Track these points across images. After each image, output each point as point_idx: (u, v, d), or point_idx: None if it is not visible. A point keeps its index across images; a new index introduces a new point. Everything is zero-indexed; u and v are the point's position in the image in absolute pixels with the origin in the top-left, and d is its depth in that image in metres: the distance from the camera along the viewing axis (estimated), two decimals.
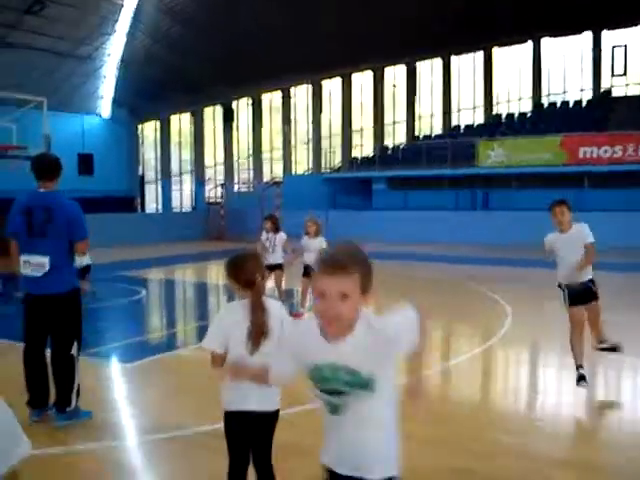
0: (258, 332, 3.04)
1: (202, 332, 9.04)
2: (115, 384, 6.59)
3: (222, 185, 29.93)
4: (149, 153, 33.84)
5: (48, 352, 5.23)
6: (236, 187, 32.01)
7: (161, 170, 33.10)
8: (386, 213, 23.81)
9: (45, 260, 4.93)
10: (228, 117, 31.75)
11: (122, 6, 23.37)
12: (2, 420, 1.81)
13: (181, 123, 33.61)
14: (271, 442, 3.13)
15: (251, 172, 32.30)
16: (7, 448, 1.78)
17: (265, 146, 32.38)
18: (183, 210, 31.83)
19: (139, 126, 32.60)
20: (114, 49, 25.86)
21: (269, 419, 3.08)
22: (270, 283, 9.62)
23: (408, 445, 2.22)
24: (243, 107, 32.49)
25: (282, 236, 9.64)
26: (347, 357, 1.98)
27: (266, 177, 31.19)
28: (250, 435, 3.08)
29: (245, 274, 3.12)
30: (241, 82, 28.21)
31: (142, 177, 33.00)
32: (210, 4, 23.41)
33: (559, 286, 5.79)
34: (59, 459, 4.43)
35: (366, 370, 1.97)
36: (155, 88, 28.28)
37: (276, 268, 9.56)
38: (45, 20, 21.84)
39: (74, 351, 5.17)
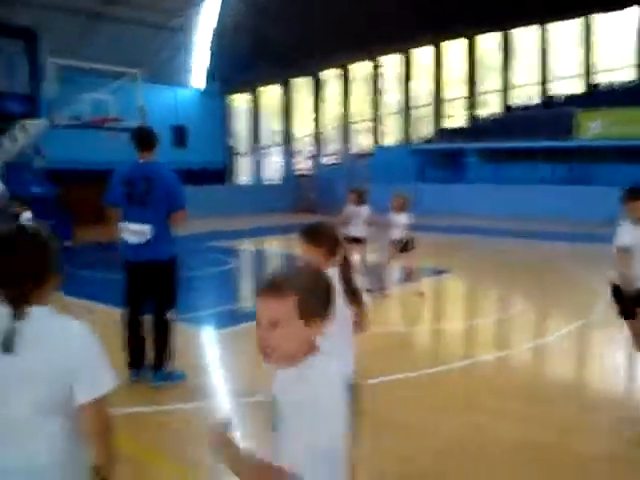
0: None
1: None
2: (208, 349, 6.74)
3: (311, 157, 29.98)
4: (240, 125, 34.27)
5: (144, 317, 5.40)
6: (325, 159, 32.00)
7: (252, 142, 33.49)
8: (478, 186, 23.15)
9: (146, 228, 5.11)
10: (317, 88, 31.68)
11: None
12: (88, 351, 1.85)
13: (271, 94, 33.80)
14: None
15: (340, 144, 32.16)
16: (93, 378, 1.82)
17: (354, 117, 32.13)
18: (273, 182, 32.13)
19: (230, 98, 33.01)
20: (206, 20, 26.17)
21: None
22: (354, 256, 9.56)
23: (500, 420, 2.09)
24: (332, 78, 32.30)
25: (366, 209, 9.51)
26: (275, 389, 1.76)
27: (355, 149, 31.01)
28: None
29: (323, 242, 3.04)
30: (330, 52, 27.97)
31: (233, 149, 33.51)
32: None
33: (615, 289, 4.81)
34: (153, 417, 4.57)
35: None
36: (246, 59, 28.48)
37: (359, 242, 9.47)
38: None
39: (170, 316, 5.31)
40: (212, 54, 28.23)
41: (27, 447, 1.77)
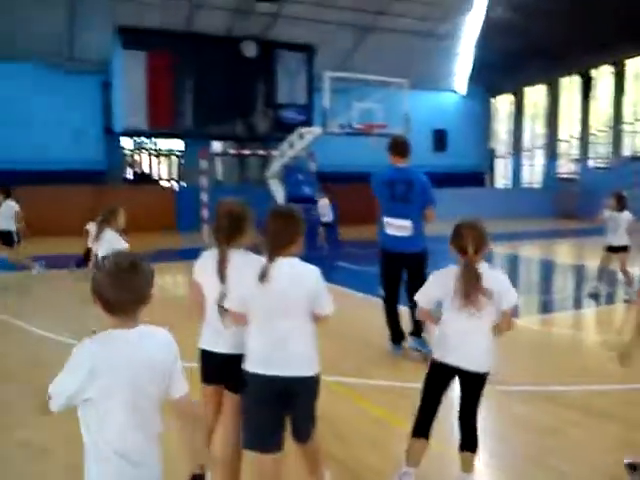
0: (462, 297, 3.31)
1: (544, 305, 9.10)
2: None
3: (576, 160, 28.53)
4: (501, 127, 33.80)
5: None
6: (591, 162, 30.17)
7: (512, 144, 32.85)
8: None
9: (408, 223, 6.01)
10: (586, 87, 29.95)
11: None
12: (319, 283, 3.12)
13: (535, 95, 32.77)
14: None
15: (609, 146, 30.05)
16: (323, 300, 3.15)
17: (628, 118, 29.76)
18: (533, 186, 31.19)
19: (492, 100, 32.74)
20: (471, 25, 26.38)
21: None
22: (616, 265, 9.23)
23: None
24: (603, 75, 30.27)
25: (627, 215, 9.08)
26: None
27: (627, 151, 28.74)
28: None
29: (458, 240, 3.36)
30: (602, 47, 26.31)
31: (493, 152, 33.19)
32: None
33: None
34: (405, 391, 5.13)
35: None
36: (511, 60, 28.05)
37: (619, 250, 9.09)
38: (408, 3, 23.33)
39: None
40: (476, 58, 28.32)
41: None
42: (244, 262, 3.19)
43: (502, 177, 33.47)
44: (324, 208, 15.94)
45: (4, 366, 6.10)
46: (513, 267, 13.97)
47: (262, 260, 3.08)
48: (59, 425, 3.69)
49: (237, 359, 3.14)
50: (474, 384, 3.39)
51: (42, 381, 2.37)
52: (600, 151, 30.42)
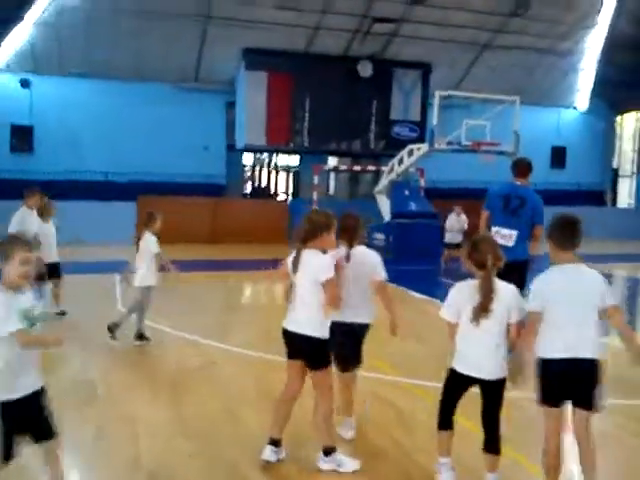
0: (478, 310, 3.54)
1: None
2: None
3: None
4: (627, 145, 32.36)
5: None
6: None
7: (638, 163, 31.36)
8: None
9: (514, 233, 6.62)
10: None
11: None
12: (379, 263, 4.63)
13: None
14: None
15: None
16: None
17: None
18: None
19: (618, 117, 31.47)
20: (594, 42, 25.64)
21: None
22: None
23: None
24: None
25: None
26: None
27: None
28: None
29: (477, 254, 3.54)
30: None
31: (615, 170, 31.84)
32: None
33: None
34: None
35: None
36: (637, 77, 26.98)
37: None
38: (528, 21, 23.10)
39: None
40: (599, 74, 27.45)
41: None
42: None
43: (627, 197, 32.01)
44: (453, 226, 15.19)
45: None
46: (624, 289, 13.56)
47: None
48: None
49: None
50: (490, 391, 3.69)
51: None
52: None
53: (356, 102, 22.97)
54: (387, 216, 17.98)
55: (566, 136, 28.45)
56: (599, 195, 29.51)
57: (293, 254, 4.04)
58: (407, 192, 18.57)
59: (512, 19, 23.06)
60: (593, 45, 25.87)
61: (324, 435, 4.06)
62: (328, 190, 27.10)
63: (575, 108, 29.08)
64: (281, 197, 27.14)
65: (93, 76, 21.63)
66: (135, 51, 21.26)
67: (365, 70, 23.11)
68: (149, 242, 7.25)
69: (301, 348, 4.02)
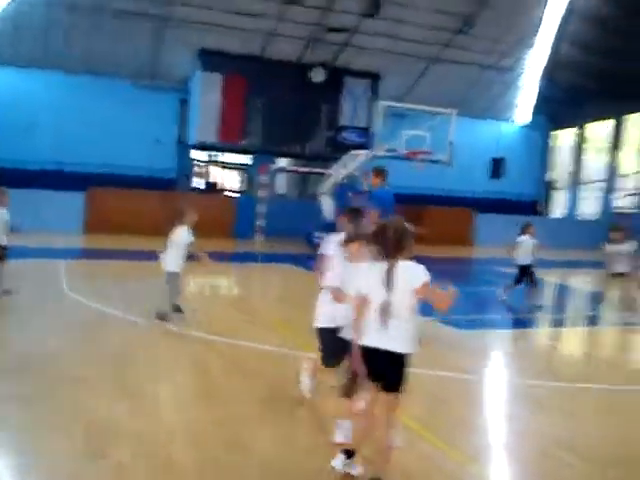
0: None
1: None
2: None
3: (633, 195, 28.71)
4: (562, 159, 34.16)
5: None
6: None
7: (572, 177, 33.17)
8: None
9: None
10: None
11: (542, 20, 24.59)
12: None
13: (599, 130, 33.03)
14: None
15: None
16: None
17: None
18: (588, 218, 31.44)
19: (554, 133, 33.22)
20: (534, 60, 27.18)
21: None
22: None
23: None
24: None
25: (631, 245, 10.00)
26: None
27: None
28: None
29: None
30: None
31: (550, 183, 33.62)
32: (637, 13, 22.89)
33: None
34: None
35: None
36: (575, 96, 28.62)
37: (622, 276, 10.01)
38: (473, 38, 24.41)
39: None
40: (539, 91, 29.04)
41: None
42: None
43: (560, 208, 33.79)
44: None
45: None
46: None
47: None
48: None
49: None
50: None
51: None
52: None
53: (307, 107, 23.91)
54: (329, 216, 18.90)
55: (505, 148, 29.93)
56: (534, 205, 31.15)
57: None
58: (350, 194, 19.51)
59: (458, 36, 24.33)
60: (533, 63, 27.41)
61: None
62: (273, 189, 28.00)
63: (514, 122, 30.66)
64: (232, 194, 27.87)
65: (49, 68, 22.06)
66: (91, 46, 21.75)
67: (317, 76, 24.04)
68: (181, 233, 8.04)
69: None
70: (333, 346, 4.73)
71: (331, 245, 4.99)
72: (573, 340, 9.50)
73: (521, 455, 4.72)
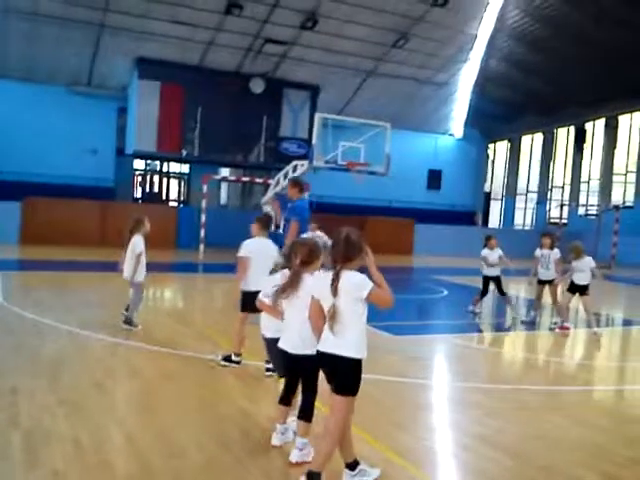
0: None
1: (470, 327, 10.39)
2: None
3: (563, 206, 29.91)
4: (498, 171, 35.31)
5: None
6: (582, 210, 31.54)
7: (506, 188, 34.32)
8: None
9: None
10: (579, 138, 31.42)
11: (476, 36, 25.45)
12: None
13: (533, 143, 34.32)
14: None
15: (597, 195, 31.42)
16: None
17: (619, 169, 31.14)
18: (522, 228, 32.57)
19: (490, 145, 34.33)
20: (468, 75, 28.08)
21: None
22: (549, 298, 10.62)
23: None
24: (598, 128, 31.77)
25: (556, 254, 10.47)
26: None
27: (615, 202, 30.07)
28: None
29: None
30: (596, 103, 27.87)
31: (488, 194, 34.68)
32: (563, 32, 23.96)
33: None
34: None
35: None
36: (507, 109, 29.71)
37: (549, 283, 10.49)
38: (408, 52, 25.08)
39: None
40: (472, 105, 29.98)
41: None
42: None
43: (496, 218, 34.88)
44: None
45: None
46: (464, 294, 15.23)
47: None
48: None
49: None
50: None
51: None
52: (591, 200, 31.78)
53: (248, 117, 24.01)
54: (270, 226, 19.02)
55: (442, 160, 30.82)
56: (471, 216, 32.06)
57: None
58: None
59: (393, 50, 24.95)
60: (468, 78, 28.32)
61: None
62: (217, 199, 27.96)
63: (451, 135, 31.54)
64: (172, 203, 27.68)
65: None
66: (27, 52, 21.37)
67: (257, 87, 24.21)
68: (137, 242, 8.41)
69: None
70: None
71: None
72: (506, 344, 9.90)
73: (445, 450, 4.98)
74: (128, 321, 8.44)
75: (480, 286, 11.45)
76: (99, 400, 5.59)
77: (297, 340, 4.43)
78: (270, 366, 6.14)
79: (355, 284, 3.87)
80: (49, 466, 4.12)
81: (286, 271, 4.52)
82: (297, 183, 9.06)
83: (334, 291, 3.87)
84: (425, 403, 6.21)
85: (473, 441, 5.06)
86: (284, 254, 4.94)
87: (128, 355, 7.27)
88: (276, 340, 4.70)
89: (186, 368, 6.84)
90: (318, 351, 4.04)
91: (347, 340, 3.90)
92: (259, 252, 6.61)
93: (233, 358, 6.75)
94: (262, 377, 6.47)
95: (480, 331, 10.70)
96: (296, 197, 8.82)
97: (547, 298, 10.86)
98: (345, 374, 3.95)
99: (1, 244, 18.19)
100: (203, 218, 20.66)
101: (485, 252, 11.34)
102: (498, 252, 11.27)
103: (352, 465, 4.14)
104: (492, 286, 11.40)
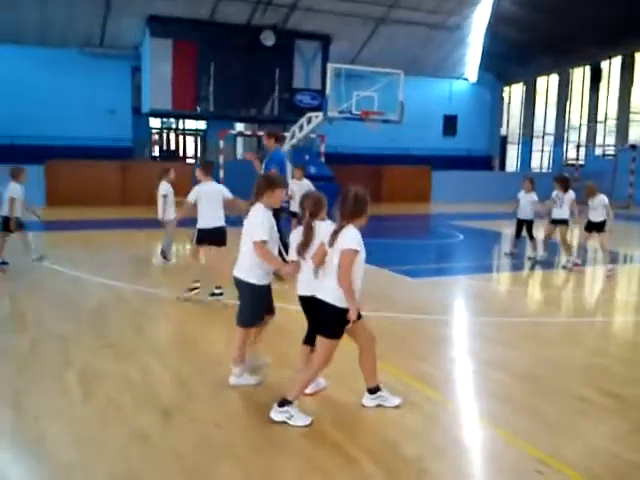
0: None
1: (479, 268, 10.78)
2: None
3: (580, 147, 29.76)
4: (514, 114, 35.01)
5: None
6: (599, 150, 31.36)
7: (523, 131, 34.10)
8: None
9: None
10: (596, 78, 31.03)
11: None
12: None
13: (548, 84, 33.92)
14: None
15: (614, 135, 31.17)
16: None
17: (636, 108, 30.78)
18: (540, 171, 32.47)
19: (505, 88, 33.97)
20: (481, 17, 27.67)
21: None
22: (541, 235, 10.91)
23: None
24: (614, 67, 31.31)
25: (570, 195, 10.68)
26: None
27: (632, 140, 29.85)
28: None
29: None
30: (612, 41, 27.44)
31: (505, 138, 34.49)
32: None
33: None
34: None
35: None
36: (521, 51, 29.30)
37: (561, 223, 10.75)
38: None
39: None
40: (487, 48, 29.61)
41: None
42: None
43: (513, 162, 34.77)
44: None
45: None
46: (483, 238, 15.54)
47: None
48: None
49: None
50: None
51: None
52: (608, 139, 31.56)
53: (260, 70, 24.00)
54: (288, 179, 19.31)
55: (457, 106, 30.62)
56: (488, 161, 32.01)
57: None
58: (307, 157, 19.93)
59: None
60: (481, 21, 27.92)
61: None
62: (235, 154, 28.24)
63: (466, 79, 31.25)
64: (190, 160, 27.94)
65: None
66: (39, 16, 21.46)
67: (268, 40, 24.12)
68: (163, 187, 10.04)
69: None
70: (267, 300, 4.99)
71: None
72: (521, 282, 10.24)
73: (461, 375, 5.43)
74: (163, 255, 9.92)
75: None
76: (141, 341, 6.08)
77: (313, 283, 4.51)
78: (217, 291, 7.53)
79: (345, 239, 4.10)
80: (103, 396, 4.61)
81: (300, 227, 4.59)
82: (272, 134, 9.75)
83: (331, 242, 4.17)
84: (443, 336, 6.61)
85: (487, 367, 5.48)
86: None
87: (160, 303, 7.78)
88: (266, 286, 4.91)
89: (211, 312, 7.31)
90: (303, 295, 4.54)
91: (330, 287, 4.16)
92: (205, 194, 7.73)
93: (215, 291, 7.59)
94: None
95: (497, 271, 11.04)
96: (272, 147, 9.50)
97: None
98: (326, 317, 4.24)
99: (30, 207, 18.68)
100: (221, 173, 20.94)
101: (520, 195, 11.61)
102: (531, 196, 11.47)
103: (373, 390, 4.54)
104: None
